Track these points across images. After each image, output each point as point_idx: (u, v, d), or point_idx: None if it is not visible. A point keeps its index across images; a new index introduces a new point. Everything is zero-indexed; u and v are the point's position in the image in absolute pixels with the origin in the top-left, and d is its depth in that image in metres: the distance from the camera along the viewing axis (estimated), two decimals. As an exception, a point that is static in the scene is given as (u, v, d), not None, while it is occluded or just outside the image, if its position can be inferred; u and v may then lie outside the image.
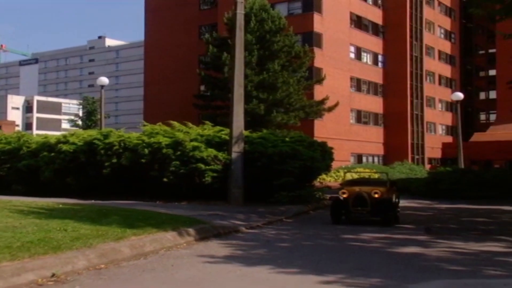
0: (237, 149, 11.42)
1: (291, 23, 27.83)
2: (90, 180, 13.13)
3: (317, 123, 31.11)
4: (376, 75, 38.05)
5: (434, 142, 40.85)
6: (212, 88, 29.98)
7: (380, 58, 38.69)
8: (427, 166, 37.13)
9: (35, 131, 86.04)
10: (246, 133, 12.22)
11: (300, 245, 6.59)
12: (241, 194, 11.41)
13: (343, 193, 9.25)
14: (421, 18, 39.85)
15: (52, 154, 13.56)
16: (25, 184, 14.21)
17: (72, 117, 57.41)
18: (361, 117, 36.57)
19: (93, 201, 11.44)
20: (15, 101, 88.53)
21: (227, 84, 27.74)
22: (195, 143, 11.76)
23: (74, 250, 4.69)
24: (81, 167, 13.26)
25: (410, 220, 10.16)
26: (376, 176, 17.40)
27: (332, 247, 6.42)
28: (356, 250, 6.16)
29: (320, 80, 29.43)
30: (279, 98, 26.87)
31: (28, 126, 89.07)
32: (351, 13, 35.94)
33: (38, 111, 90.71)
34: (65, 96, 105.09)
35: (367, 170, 22.76)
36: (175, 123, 13.25)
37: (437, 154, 41.20)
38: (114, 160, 12.57)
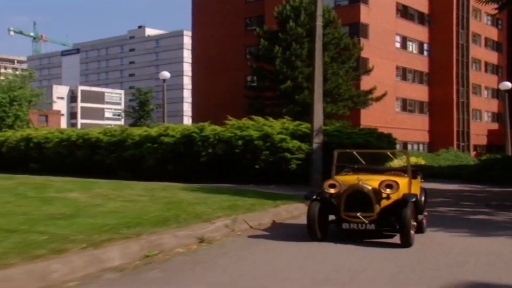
0: (317, 140, 13.66)
1: (338, 14, 29.26)
2: (187, 167, 15.77)
3: (364, 112, 32.67)
4: (421, 64, 38.92)
5: (480, 129, 41.41)
6: (263, 79, 31.99)
7: (425, 46, 39.48)
8: (472, 153, 37.95)
9: (79, 121, 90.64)
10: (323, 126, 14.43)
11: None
12: (320, 179, 13.63)
13: (331, 186, 5.56)
14: (467, 5, 40.10)
15: (155, 145, 16.33)
16: (129, 171, 17.08)
17: (125, 108, 61.04)
18: (406, 105, 37.79)
19: (194, 184, 13.81)
20: (59, 91, 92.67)
21: (278, 76, 29.86)
22: (282, 136, 14.10)
23: (257, 212, 7.10)
24: (179, 156, 15.93)
25: (470, 199, 12.13)
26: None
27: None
28: (440, 217, 8.19)
29: (368, 71, 30.95)
30: (328, 89, 28.50)
31: (72, 115, 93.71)
32: (397, 3, 36.91)
33: (82, 101, 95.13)
34: (106, 85, 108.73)
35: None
36: (259, 118, 15.63)
37: (483, 141, 41.76)
38: (210, 150, 15.07)
